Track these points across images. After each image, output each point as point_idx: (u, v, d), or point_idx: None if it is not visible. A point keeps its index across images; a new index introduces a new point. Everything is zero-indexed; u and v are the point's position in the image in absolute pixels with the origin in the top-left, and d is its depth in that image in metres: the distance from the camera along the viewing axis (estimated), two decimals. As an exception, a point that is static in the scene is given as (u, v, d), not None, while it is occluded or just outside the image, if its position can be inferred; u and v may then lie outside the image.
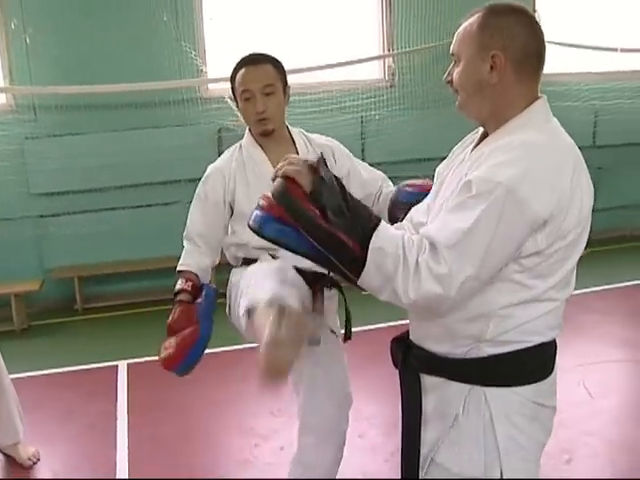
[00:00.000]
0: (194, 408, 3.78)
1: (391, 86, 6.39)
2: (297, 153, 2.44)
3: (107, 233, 5.68)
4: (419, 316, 1.61)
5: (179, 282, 2.38)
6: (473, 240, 1.38)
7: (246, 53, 2.41)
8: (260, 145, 2.43)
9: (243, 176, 2.41)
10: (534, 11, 6.83)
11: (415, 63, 6.38)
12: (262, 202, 1.53)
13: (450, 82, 1.60)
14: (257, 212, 1.54)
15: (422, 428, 1.62)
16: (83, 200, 5.64)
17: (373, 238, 1.41)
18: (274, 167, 2.36)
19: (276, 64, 2.38)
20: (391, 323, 4.75)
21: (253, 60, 2.36)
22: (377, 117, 6.26)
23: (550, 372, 1.60)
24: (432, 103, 6.38)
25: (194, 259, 2.45)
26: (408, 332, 1.72)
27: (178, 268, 2.44)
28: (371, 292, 1.49)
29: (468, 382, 1.55)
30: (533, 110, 1.53)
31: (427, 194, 1.76)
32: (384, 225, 1.45)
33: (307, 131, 2.54)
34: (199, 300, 2.31)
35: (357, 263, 1.43)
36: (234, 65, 2.40)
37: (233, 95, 2.43)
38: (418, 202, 1.78)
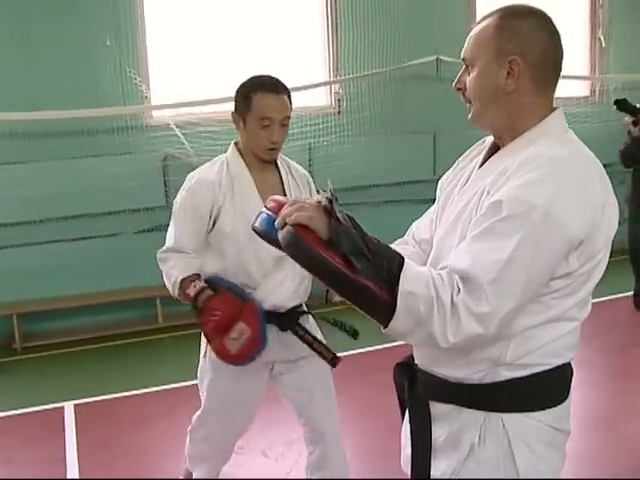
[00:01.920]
0: (148, 446, 3.59)
1: (339, 112, 6.36)
2: (280, 180, 2.45)
3: (48, 267, 5.40)
4: (420, 343, 1.47)
5: (192, 286, 2.35)
6: (512, 272, 1.27)
7: (258, 74, 2.39)
8: (247, 167, 2.41)
9: (231, 196, 2.37)
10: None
11: (362, 89, 6.37)
12: (270, 204, 1.40)
13: (461, 90, 1.50)
14: (264, 213, 1.41)
15: (432, 460, 1.51)
16: (22, 232, 5.35)
17: (401, 281, 1.26)
18: (259, 192, 2.37)
19: (289, 95, 2.37)
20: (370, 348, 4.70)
21: (276, 88, 2.34)
22: (325, 144, 6.20)
23: (567, 395, 1.51)
24: (380, 129, 6.39)
25: (191, 264, 2.40)
26: (411, 357, 1.61)
27: (180, 277, 2.37)
28: (397, 336, 1.34)
29: (484, 409, 1.45)
30: (551, 120, 1.45)
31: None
32: (408, 263, 1.30)
33: None
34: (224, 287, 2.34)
35: (386, 310, 1.27)
36: (249, 84, 2.35)
37: (240, 113, 2.36)
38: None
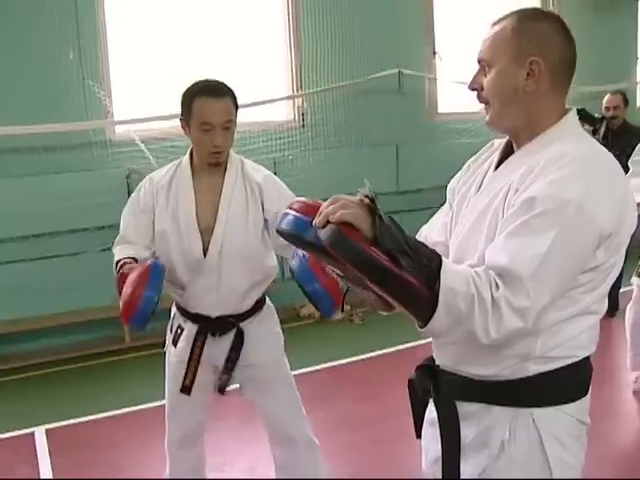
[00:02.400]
0: (123, 468, 3.47)
1: (303, 126, 6.35)
2: (222, 183, 2.44)
3: (7, 288, 5.18)
4: (457, 340, 1.46)
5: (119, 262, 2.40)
6: (550, 266, 1.29)
7: (201, 80, 2.38)
8: (192, 172, 2.45)
9: (168, 196, 2.44)
10: (434, 52, 7.06)
11: (326, 103, 6.38)
12: (297, 205, 1.38)
13: (476, 90, 1.51)
14: (292, 214, 1.37)
15: (461, 461, 1.50)
16: (-21, 253, 5.15)
17: (442, 278, 1.27)
18: (196, 196, 2.41)
19: (234, 97, 2.36)
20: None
21: (215, 92, 2.32)
22: (290, 157, 6.17)
23: (589, 389, 1.54)
24: (344, 142, 6.42)
25: (131, 250, 2.44)
26: (431, 359, 1.61)
27: (116, 259, 2.42)
28: (435, 335, 1.37)
29: (513, 405, 1.45)
30: (568, 120, 1.49)
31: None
32: (446, 261, 1.31)
33: None
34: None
35: (427, 307, 1.27)
36: (191, 89, 2.35)
37: (183, 120, 2.37)
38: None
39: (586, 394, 1.53)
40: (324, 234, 1.28)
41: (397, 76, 6.56)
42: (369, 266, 1.26)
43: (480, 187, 1.56)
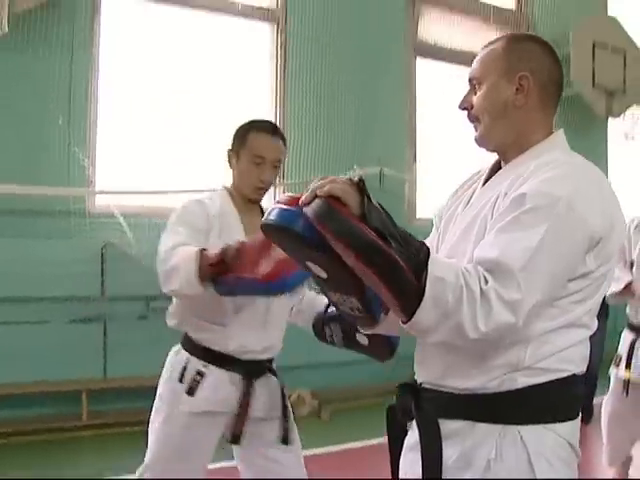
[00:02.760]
0: None
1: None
2: None
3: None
4: (442, 350, 1.43)
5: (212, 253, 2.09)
6: (541, 260, 1.27)
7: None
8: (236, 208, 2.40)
9: (219, 226, 2.32)
10: (415, 157, 7.26)
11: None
12: (284, 198, 1.34)
13: (467, 109, 1.54)
14: (278, 207, 1.32)
15: None
16: None
17: (430, 266, 1.23)
18: (244, 230, 2.33)
19: (285, 142, 2.44)
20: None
21: (273, 130, 2.42)
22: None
23: (579, 412, 1.47)
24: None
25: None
26: (412, 379, 1.56)
27: (197, 249, 2.12)
28: (420, 332, 1.30)
29: (500, 422, 1.38)
30: (558, 135, 1.52)
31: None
32: (435, 253, 1.30)
33: None
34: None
35: (413, 296, 1.23)
36: (248, 123, 2.43)
37: (232, 151, 2.41)
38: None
39: (577, 417, 1.46)
40: (311, 208, 1.25)
41: (378, 175, 6.67)
42: (357, 239, 1.22)
43: (468, 203, 1.56)
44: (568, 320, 1.38)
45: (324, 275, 1.41)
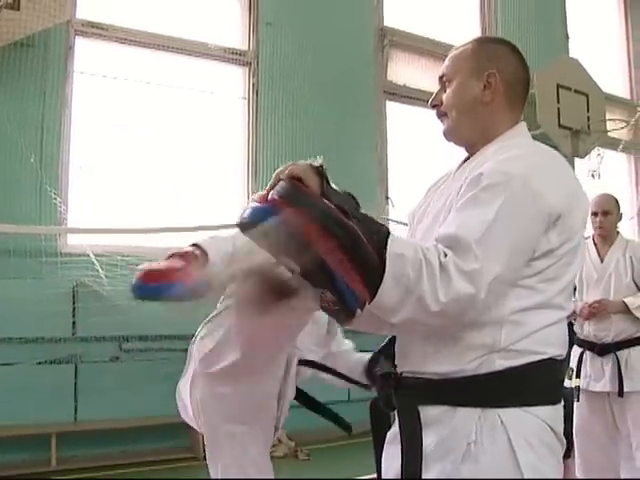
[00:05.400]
0: None
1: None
2: None
3: None
4: (420, 338, 1.45)
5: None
6: (497, 233, 1.31)
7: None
8: None
9: None
10: (387, 197, 7.32)
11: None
12: (257, 197, 1.39)
13: (436, 106, 1.62)
14: (251, 207, 1.38)
15: (423, 469, 1.38)
16: None
17: (389, 244, 1.28)
18: None
19: None
20: None
21: None
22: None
23: (560, 398, 1.47)
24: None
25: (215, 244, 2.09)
26: (393, 367, 1.56)
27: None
28: (385, 313, 1.31)
29: (479, 405, 1.38)
30: (521, 125, 1.60)
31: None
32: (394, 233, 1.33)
33: None
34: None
35: (374, 274, 1.26)
36: None
37: None
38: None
39: (559, 402, 1.46)
40: (275, 190, 1.32)
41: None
42: (319, 210, 1.27)
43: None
44: (540, 300, 1.40)
45: (298, 269, 1.42)
